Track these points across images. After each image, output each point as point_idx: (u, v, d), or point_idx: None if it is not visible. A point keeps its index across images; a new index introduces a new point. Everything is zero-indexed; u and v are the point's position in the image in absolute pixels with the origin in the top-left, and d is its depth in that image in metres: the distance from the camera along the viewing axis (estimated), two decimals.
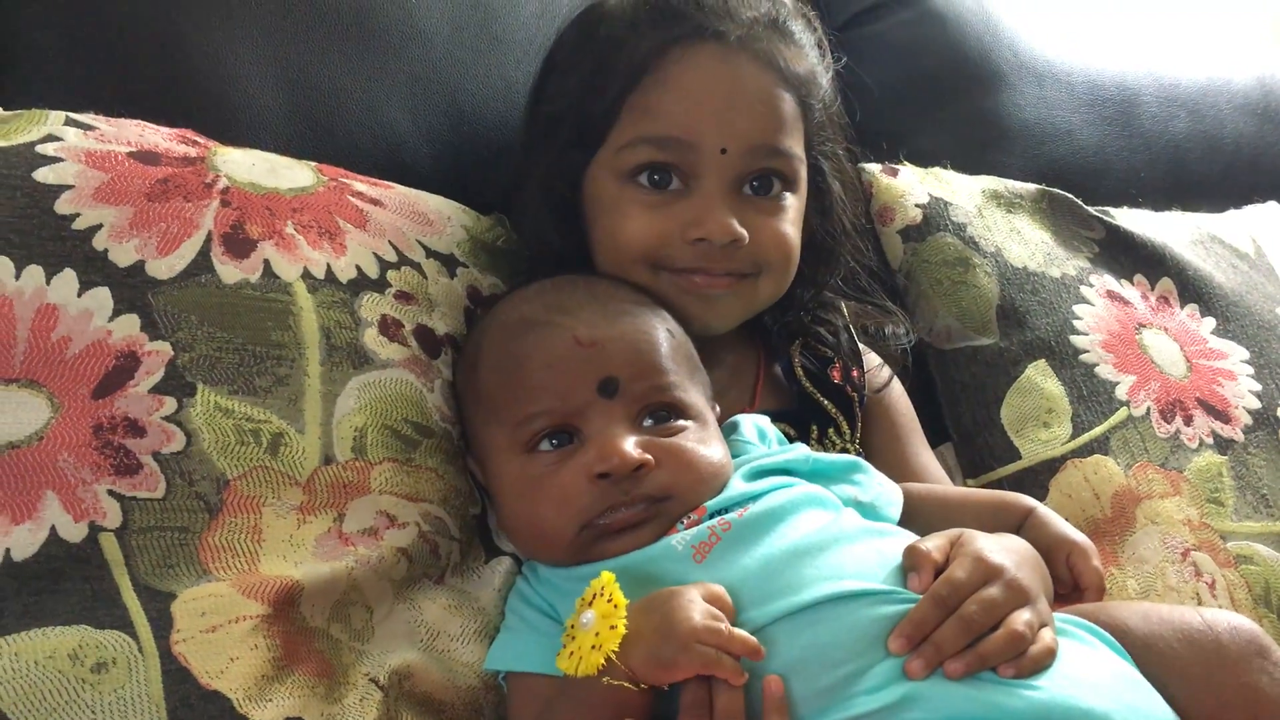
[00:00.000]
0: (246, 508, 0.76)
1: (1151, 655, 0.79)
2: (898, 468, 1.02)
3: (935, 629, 0.73)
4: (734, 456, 0.87)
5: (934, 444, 1.21)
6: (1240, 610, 1.12)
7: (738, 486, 0.83)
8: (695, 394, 0.85)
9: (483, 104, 1.12)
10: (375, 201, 0.93)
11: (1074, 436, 1.17)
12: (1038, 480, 1.15)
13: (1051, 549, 0.87)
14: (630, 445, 0.79)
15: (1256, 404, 1.26)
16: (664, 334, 0.85)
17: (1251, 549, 1.16)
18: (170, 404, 0.76)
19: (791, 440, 0.98)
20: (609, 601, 0.70)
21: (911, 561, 0.77)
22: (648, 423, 0.83)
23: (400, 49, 1.09)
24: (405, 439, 0.84)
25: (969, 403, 1.20)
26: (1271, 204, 1.58)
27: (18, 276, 0.76)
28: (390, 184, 0.96)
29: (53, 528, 0.71)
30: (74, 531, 0.71)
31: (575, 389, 0.81)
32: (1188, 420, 1.22)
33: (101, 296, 0.78)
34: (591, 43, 0.96)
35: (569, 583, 0.80)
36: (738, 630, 0.71)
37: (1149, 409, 1.20)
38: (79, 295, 0.77)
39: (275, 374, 0.80)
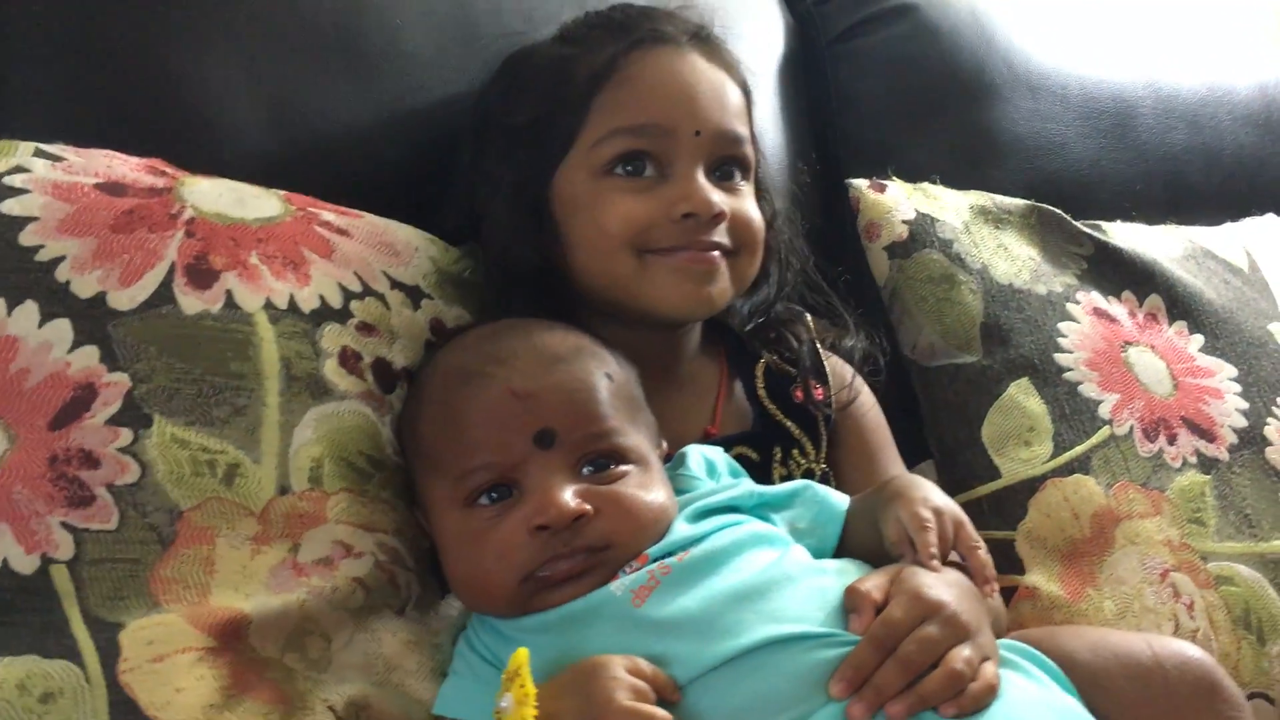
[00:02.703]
0: (199, 539, 0.77)
1: (1098, 691, 0.79)
2: (867, 484, 1.02)
3: (875, 671, 0.73)
4: (681, 492, 0.87)
5: (916, 460, 1.22)
6: (1219, 632, 1.12)
7: (680, 530, 0.83)
8: (636, 437, 0.85)
9: (463, 121, 1.13)
10: (342, 231, 0.94)
11: (1054, 455, 1.16)
12: (1017, 499, 1.14)
13: (882, 506, 0.86)
14: (568, 496, 0.80)
15: (1243, 422, 1.25)
16: (602, 379, 0.85)
17: (1232, 570, 1.15)
18: (126, 435, 0.78)
19: (755, 464, 0.98)
20: (522, 687, 0.70)
21: (851, 603, 0.77)
22: (587, 470, 0.83)
23: (384, 71, 1.10)
24: (360, 471, 0.85)
25: (950, 420, 1.20)
26: (1270, 216, 1.56)
27: None
28: (360, 213, 0.97)
29: (4, 560, 0.72)
30: (26, 563, 0.73)
31: (512, 442, 0.81)
32: (1171, 439, 1.21)
33: (62, 328, 0.79)
34: (544, 66, 1.00)
35: (513, 632, 0.81)
36: (659, 711, 0.71)
37: (1132, 428, 1.20)
38: (39, 327, 0.79)
39: (234, 404, 0.82)
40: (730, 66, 1.02)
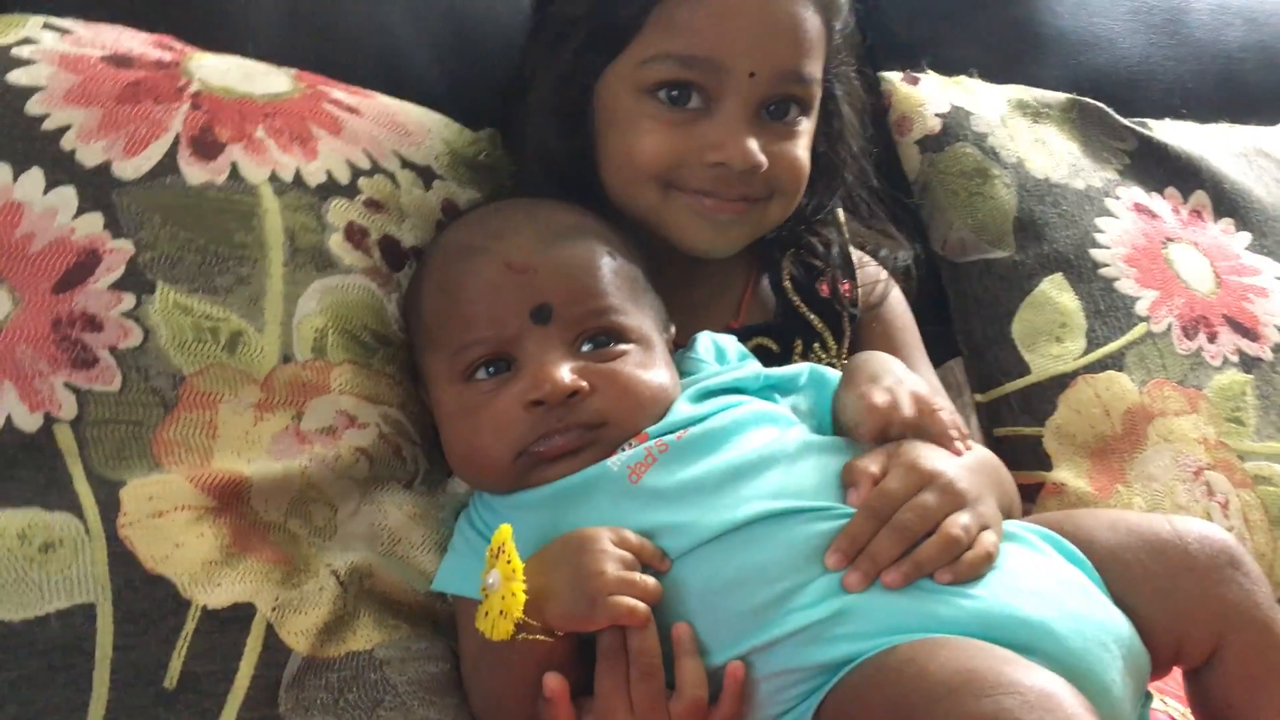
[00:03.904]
0: (202, 404, 0.78)
1: (1117, 566, 0.77)
2: None
3: (870, 542, 0.72)
4: (686, 375, 0.86)
5: (944, 358, 1.20)
6: (1255, 532, 1.09)
7: (682, 410, 0.82)
8: (639, 318, 0.84)
9: (487, 7, 1.11)
10: (352, 110, 0.93)
11: (1087, 351, 1.14)
12: (1046, 395, 1.12)
13: (840, 389, 0.85)
14: (564, 372, 0.79)
15: None
16: (604, 256, 0.84)
17: (1271, 469, 1.12)
18: (129, 300, 0.78)
19: (775, 355, 0.97)
20: (508, 563, 0.70)
21: (849, 477, 0.76)
22: (586, 348, 0.82)
23: None
24: (365, 344, 0.85)
25: (980, 317, 1.17)
26: None
27: None
28: (372, 93, 0.97)
29: (9, 417, 0.73)
30: (29, 421, 0.74)
31: (509, 316, 0.81)
32: (1212, 337, 1.17)
33: (67, 195, 0.80)
34: None
35: (508, 510, 0.81)
36: (648, 578, 0.71)
37: (1170, 325, 1.16)
38: (44, 194, 0.79)
39: (237, 273, 0.82)
40: None
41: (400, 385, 0.87)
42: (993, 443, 1.13)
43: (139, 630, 0.72)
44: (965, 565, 0.72)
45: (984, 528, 0.74)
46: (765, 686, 0.72)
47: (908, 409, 0.79)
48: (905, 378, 0.84)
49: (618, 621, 0.71)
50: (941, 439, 0.79)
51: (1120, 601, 0.75)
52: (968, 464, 0.79)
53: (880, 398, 0.79)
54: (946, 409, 0.82)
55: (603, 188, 0.95)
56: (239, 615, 0.74)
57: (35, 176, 0.79)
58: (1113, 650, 0.71)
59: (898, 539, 0.72)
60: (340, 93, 0.95)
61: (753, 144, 0.89)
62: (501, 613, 0.69)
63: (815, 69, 0.93)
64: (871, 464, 0.76)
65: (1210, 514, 1.08)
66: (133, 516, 0.73)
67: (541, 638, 0.70)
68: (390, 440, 0.84)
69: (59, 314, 0.77)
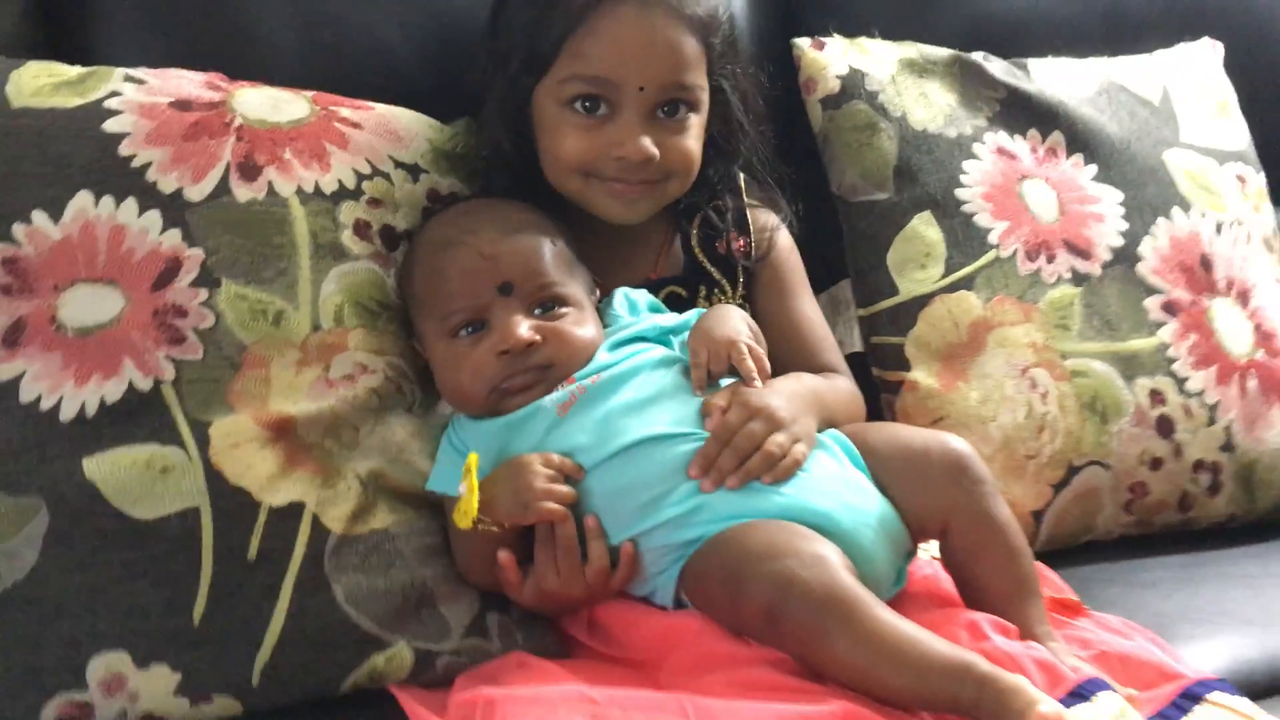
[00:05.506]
0: (259, 364, 1.11)
1: (885, 469, 1.10)
2: (780, 316, 1.31)
3: (717, 458, 1.05)
4: (605, 325, 1.18)
5: (838, 279, 1.51)
6: (1066, 415, 1.40)
7: (601, 358, 1.14)
8: (574, 287, 1.16)
9: (463, 19, 1.38)
10: (356, 125, 1.23)
11: (945, 276, 1.43)
12: (910, 312, 1.42)
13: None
14: (524, 329, 1.11)
15: (1120, 242, 1.49)
16: (547, 245, 1.15)
17: (1087, 365, 1.42)
18: (204, 293, 1.10)
19: (684, 299, 1.28)
20: (471, 482, 1.03)
21: (705, 411, 1.09)
22: (538, 312, 1.13)
23: None
24: (372, 311, 1.17)
25: (864, 248, 1.47)
26: (1205, 40, 1.73)
27: (96, 205, 1.10)
28: (371, 105, 1.26)
29: (130, 381, 1.06)
30: (144, 384, 1.07)
31: (481, 291, 1.12)
32: (1050, 259, 1.46)
33: (153, 217, 1.11)
34: None
35: (475, 435, 1.13)
36: (565, 487, 1.06)
37: (1016, 250, 1.45)
38: (138, 217, 1.11)
39: (277, 267, 1.14)
40: (692, 19, 1.18)
41: (399, 339, 1.19)
42: (870, 347, 1.45)
43: (228, 523, 1.06)
44: (779, 471, 1.05)
45: (796, 442, 1.07)
46: (648, 557, 1.07)
47: (719, 361, 1.10)
48: (732, 331, 1.14)
49: (544, 518, 1.06)
50: (746, 378, 1.11)
51: (886, 493, 1.09)
52: (788, 395, 1.11)
53: (700, 355, 1.11)
54: (751, 355, 1.11)
55: (543, 176, 1.25)
56: (293, 510, 1.08)
57: (130, 205, 1.11)
58: (875, 527, 1.05)
59: (735, 455, 1.06)
60: (347, 110, 1.25)
61: (646, 141, 1.19)
62: (464, 513, 1.04)
63: (696, 77, 1.22)
64: (720, 400, 1.09)
65: (1031, 403, 1.39)
66: (218, 447, 1.07)
67: (494, 529, 1.06)
68: (394, 380, 1.17)
69: (156, 306, 1.09)
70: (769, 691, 0.93)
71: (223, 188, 1.14)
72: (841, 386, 1.23)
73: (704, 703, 0.92)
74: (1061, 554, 1.38)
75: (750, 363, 1.11)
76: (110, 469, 1.04)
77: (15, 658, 1.00)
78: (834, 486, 1.07)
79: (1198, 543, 1.47)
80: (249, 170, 1.16)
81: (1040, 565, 1.19)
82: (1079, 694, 0.93)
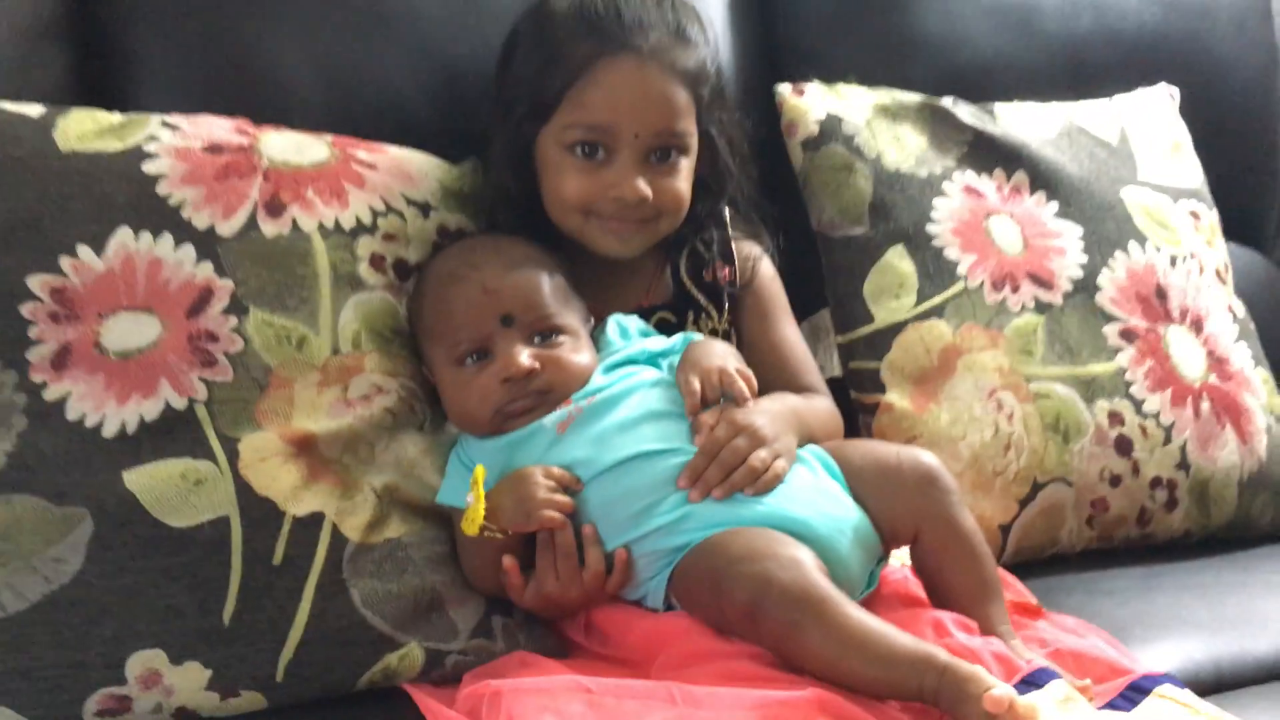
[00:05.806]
0: (283, 385, 1.21)
1: (860, 481, 1.20)
2: (763, 339, 1.42)
3: (705, 471, 1.15)
4: (600, 350, 1.28)
5: (818, 308, 1.61)
6: (1030, 434, 1.50)
7: (595, 380, 1.24)
8: (570, 317, 1.26)
9: (469, 68, 1.49)
10: (371, 166, 1.34)
11: (917, 305, 1.53)
12: (885, 339, 1.52)
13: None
14: (524, 357, 1.21)
15: (1080, 273, 1.59)
16: (545, 278, 1.26)
17: (1050, 388, 1.52)
18: (234, 320, 1.20)
19: (674, 324, 1.39)
20: (477, 493, 1.13)
21: (695, 428, 1.19)
22: (537, 340, 1.23)
23: (402, 29, 1.48)
24: (386, 337, 1.27)
25: (842, 278, 1.56)
26: (1161, 85, 1.85)
27: (136, 239, 1.20)
28: (385, 148, 1.37)
29: (166, 401, 1.16)
30: (179, 403, 1.16)
31: (485, 322, 1.22)
32: (1015, 289, 1.57)
33: (188, 251, 1.21)
34: (540, 45, 1.30)
35: (481, 451, 1.23)
36: (564, 497, 1.15)
37: (983, 281, 1.56)
38: (174, 250, 1.20)
39: (300, 296, 1.24)
40: (683, 73, 1.28)
41: (411, 363, 1.29)
42: (848, 371, 1.55)
43: (256, 531, 1.15)
44: (762, 484, 1.15)
45: (778, 457, 1.17)
46: (640, 563, 1.17)
47: (712, 389, 1.20)
48: (719, 359, 1.23)
49: (545, 526, 1.16)
50: (738, 399, 1.21)
51: (860, 503, 1.19)
52: (771, 414, 1.21)
53: (693, 384, 1.21)
54: (742, 380, 1.21)
55: (544, 213, 1.36)
56: (314, 519, 1.17)
57: (167, 239, 1.21)
58: (848, 534, 1.15)
59: (721, 469, 1.16)
60: (363, 152, 1.35)
61: (640, 183, 1.29)
62: (471, 520, 1.14)
63: (686, 124, 1.32)
64: (709, 418, 1.19)
65: (998, 423, 1.49)
66: (247, 461, 1.17)
67: (499, 536, 1.15)
68: (406, 400, 1.27)
69: (191, 332, 1.19)
70: (749, 680, 1.03)
71: (251, 223, 1.24)
72: (821, 406, 1.34)
73: (690, 689, 1.02)
74: (1028, 566, 1.47)
75: (742, 384, 1.21)
76: (148, 481, 1.13)
77: (61, 654, 1.09)
78: (811, 496, 1.17)
79: (1156, 556, 1.56)
80: (274, 207, 1.26)
81: (1003, 572, 1.29)
82: (1030, 681, 1.03)
